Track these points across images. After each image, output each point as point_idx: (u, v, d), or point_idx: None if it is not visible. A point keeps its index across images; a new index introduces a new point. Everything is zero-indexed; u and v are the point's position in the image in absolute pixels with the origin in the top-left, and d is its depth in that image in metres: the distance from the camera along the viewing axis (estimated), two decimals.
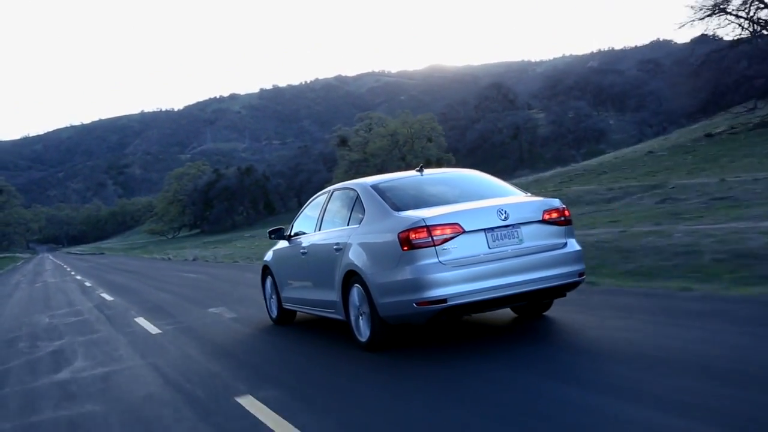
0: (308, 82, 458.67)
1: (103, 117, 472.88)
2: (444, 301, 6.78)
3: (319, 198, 9.62)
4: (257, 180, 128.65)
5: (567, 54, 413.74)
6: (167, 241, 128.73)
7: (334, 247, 8.17)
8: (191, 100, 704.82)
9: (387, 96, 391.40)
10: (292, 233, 9.96)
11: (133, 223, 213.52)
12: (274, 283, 10.57)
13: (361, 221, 7.89)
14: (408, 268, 6.89)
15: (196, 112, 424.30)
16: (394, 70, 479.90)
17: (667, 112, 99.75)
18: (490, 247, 7.01)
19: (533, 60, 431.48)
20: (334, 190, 9.14)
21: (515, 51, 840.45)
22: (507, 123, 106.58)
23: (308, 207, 9.92)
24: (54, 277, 38.97)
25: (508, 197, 7.77)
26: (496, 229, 7.07)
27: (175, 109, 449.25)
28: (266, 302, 11.11)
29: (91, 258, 73.29)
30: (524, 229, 7.20)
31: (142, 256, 66.82)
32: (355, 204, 8.18)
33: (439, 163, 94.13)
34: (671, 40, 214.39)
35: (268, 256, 10.94)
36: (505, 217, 7.10)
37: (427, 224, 6.90)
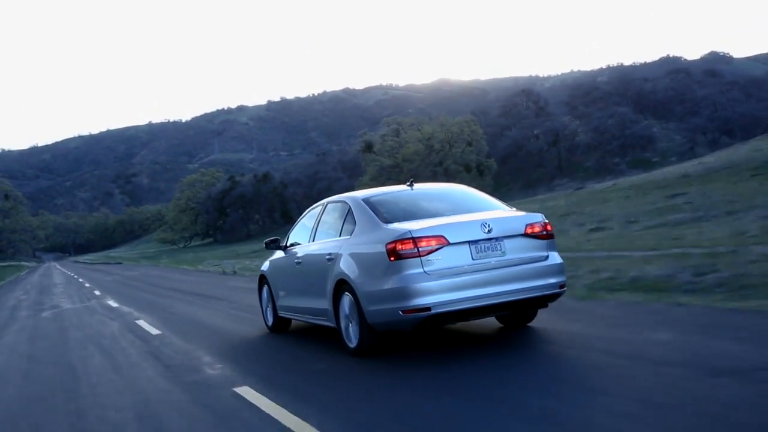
0: (316, 94, 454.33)
1: (111, 127, 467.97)
2: (428, 309, 7.06)
3: (314, 210, 9.82)
4: (274, 187, 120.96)
5: (575, 69, 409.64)
6: (179, 250, 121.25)
7: (327, 257, 8.43)
8: (199, 111, 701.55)
9: (395, 109, 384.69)
10: (288, 244, 10.20)
11: (141, 232, 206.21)
12: (270, 291, 10.83)
13: (352, 233, 8.15)
14: (394, 277, 7.18)
15: (204, 123, 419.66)
16: (401, 84, 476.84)
17: (722, 119, 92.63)
18: (473, 259, 7.29)
19: (541, 75, 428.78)
20: (328, 203, 9.38)
21: (522, 66, 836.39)
22: (544, 129, 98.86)
23: (304, 218, 10.15)
24: (69, 297, 27.14)
25: (492, 211, 8.06)
26: (479, 242, 7.34)
27: (183, 120, 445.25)
28: (262, 310, 11.37)
29: (110, 269, 62.59)
30: (507, 242, 7.45)
31: (181, 267, 50.04)
32: (347, 216, 8.42)
33: (479, 169, 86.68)
34: (726, 53, 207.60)
35: (265, 265, 11.24)
36: (488, 230, 7.37)
37: (413, 236, 7.18)
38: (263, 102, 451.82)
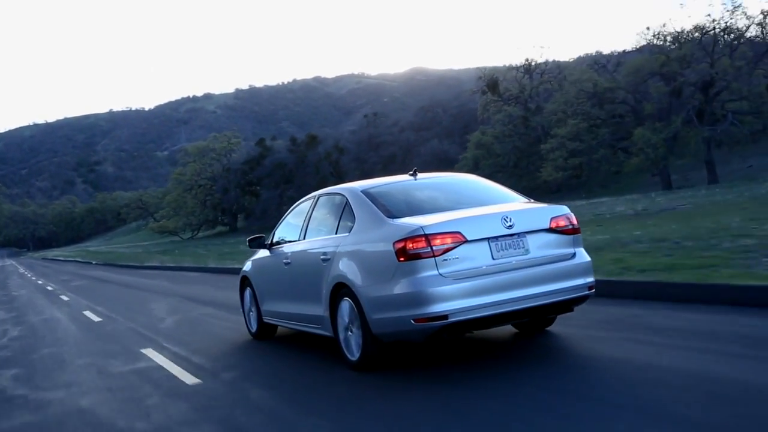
0: (286, 82, 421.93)
1: (69, 115, 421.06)
2: (445, 317, 5.86)
3: (303, 204, 8.41)
4: (327, 153, 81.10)
5: (550, 60, 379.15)
6: (186, 243, 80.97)
7: (321, 257, 7.13)
8: (163, 99, 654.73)
9: (369, 98, 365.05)
10: (274, 241, 8.68)
11: (116, 223, 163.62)
12: (253, 295, 9.24)
13: (351, 229, 6.87)
14: (405, 281, 5.98)
15: (169, 111, 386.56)
16: (373, 73, 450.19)
17: None
18: (493, 258, 6.11)
19: (515, 64, 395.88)
20: (320, 196, 8.03)
21: (496, 56, 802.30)
22: None
23: (291, 214, 8.72)
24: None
25: (510, 203, 6.81)
26: (500, 239, 6.15)
27: (146, 108, 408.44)
28: (245, 316, 9.71)
29: (165, 282, 23.70)
30: (530, 239, 6.28)
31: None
32: (344, 211, 7.14)
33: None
34: None
35: (247, 266, 9.61)
36: (510, 225, 6.18)
37: (426, 233, 5.96)
38: (231, 90, 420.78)
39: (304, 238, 7.89)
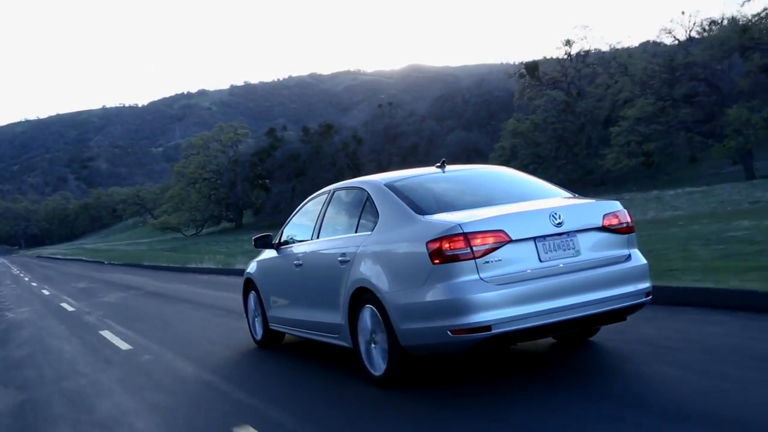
0: (281, 79, 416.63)
1: (62, 112, 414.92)
2: (488, 328, 5.07)
3: (316, 200, 7.57)
4: (344, 144, 74.86)
5: (548, 57, 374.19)
6: (193, 240, 74.78)
7: (339, 258, 6.32)
8: (156, 96, 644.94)
9: (365, 95, 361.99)
10: (282, 241, 7.90)
11: (112, 219, 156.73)
12: (259, 299, 8.44)
13: (373, 227, 6.08)
14: (440, 286, 5.19)
15: (163, 107, 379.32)
16: (369, 70, 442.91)
17: None
18: (541, 261, 5.32)
19: (513, 62, 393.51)
20: (336, 190, 7.19)
21: (494, 53, 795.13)
22: None
23: (301, 210, 7.93)
24: None
25: (553, 199, 5.99)
26: (548, 238, 5.36)
27: (140, 105, 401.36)
28: (248, 322, 8.90)
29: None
30: (581, 238, 5.51)
31: None
32: (365, 206, 6.35)
33: None
34: None
35: (252, 267, 8.77)
36: (559, 223, 5.39)
37: (465, 231, 5.17)
38: (226, 86, 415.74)
39: (317, 238, 7.09)
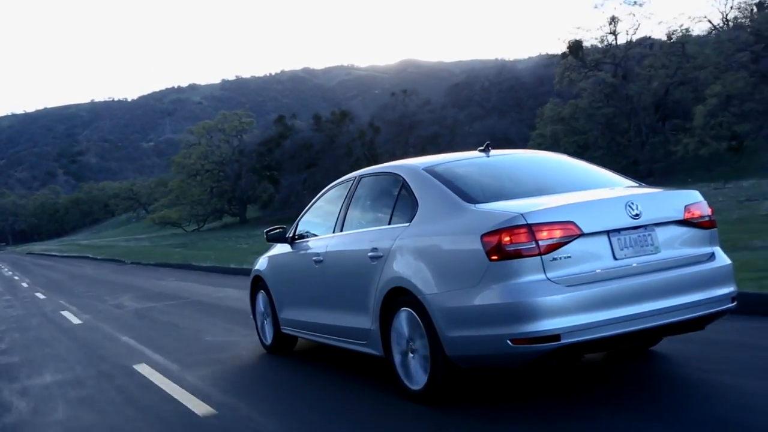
0: (274, 73, 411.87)
1: (49, 106, 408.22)
2: (557, 337, 4.28)
3: (338, 188, 6.69)
4: (360, 133, 69.04)
5: (543, 53, 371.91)
6: (199, 235, 69.06)
7: (369, 254, 5.49)
8: (146, 90, 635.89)
9: (359, 90, 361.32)
10: (297, 234, 7.07)
11: (104, 215, 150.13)
12: (269, 300, 7.55)
13: (411, 218, 5.24)
14: (499, 287, 4.40)
15: (153, 102, 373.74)
16: (363, 65, 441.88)
17: None
18: (615, 258, 4.55)
19: (507, 59, 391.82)
20: (363, 177, 6.30)
21: (486, 49, 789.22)
22: None
23: (321, 200, 7.05)
24: None
25: (623, 187, 5.22)
26: (623, 231, 4.59)
27: (129, 99, 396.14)
28: (257, 324, 8.06)
29: None
30: (659, 232, 4.72)
31: None
32: (401, 195, 5.52)
33: None
34: None
35: (261, 264, 7.84)
36: (636, 215, 4.61)
37: (529, 222, 4.38)
38: (217, 81, 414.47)
39: (341, 231, 6.24)
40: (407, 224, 5.24)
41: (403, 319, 5.16)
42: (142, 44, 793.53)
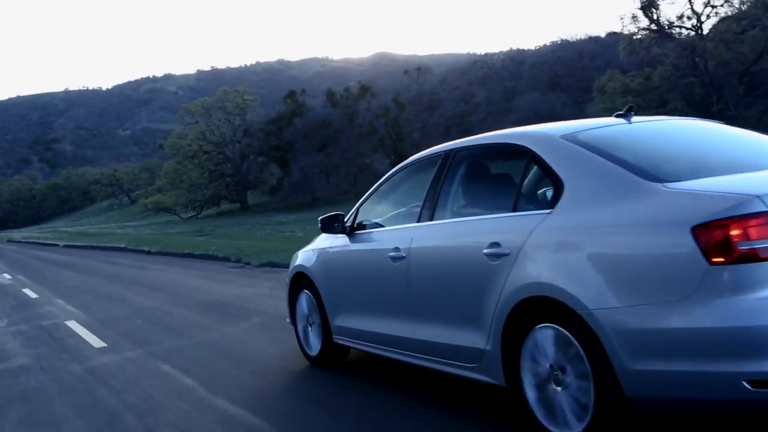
0: (249, 64, 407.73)
1: (22, 94, 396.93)
2: None
3: (420, 166, 5.17)
4: (385, 110, 61.08)
5: (514, 48, 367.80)
6: (202, 222, 60.81)
7: (487, 251, 4.04)
8: (121, 79, 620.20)
9: (334, 81, 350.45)
10: (357, 223, 5.58)
11: (83, 202, 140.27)
12: (317, 302, 6.02)
13: (553, 204, 3.81)
14: (725, 303, 3.05)
15: (128, 91, 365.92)
16: (337, 57, 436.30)
17: None
18: None
19: (479, 53, 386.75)
20: (460, 151, 4.73)
21: (459, 43, 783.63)
22: None
23: (391, 182, 5.50)
24: None
25: None
26: None
27: (104, 88, 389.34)
28: (297, 329, 6.52)
29: None
30: None
31: None
32: (528, 172, 4.18)
33: None
34: None
35: (304, 259, 6.27)
36: None
37: None
38: (192, 71, 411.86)
39: (430, 219, 4.67)
40: (547, 211, 3.83)
41: (544, 339, 3.75)
42: (117, 34, 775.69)
